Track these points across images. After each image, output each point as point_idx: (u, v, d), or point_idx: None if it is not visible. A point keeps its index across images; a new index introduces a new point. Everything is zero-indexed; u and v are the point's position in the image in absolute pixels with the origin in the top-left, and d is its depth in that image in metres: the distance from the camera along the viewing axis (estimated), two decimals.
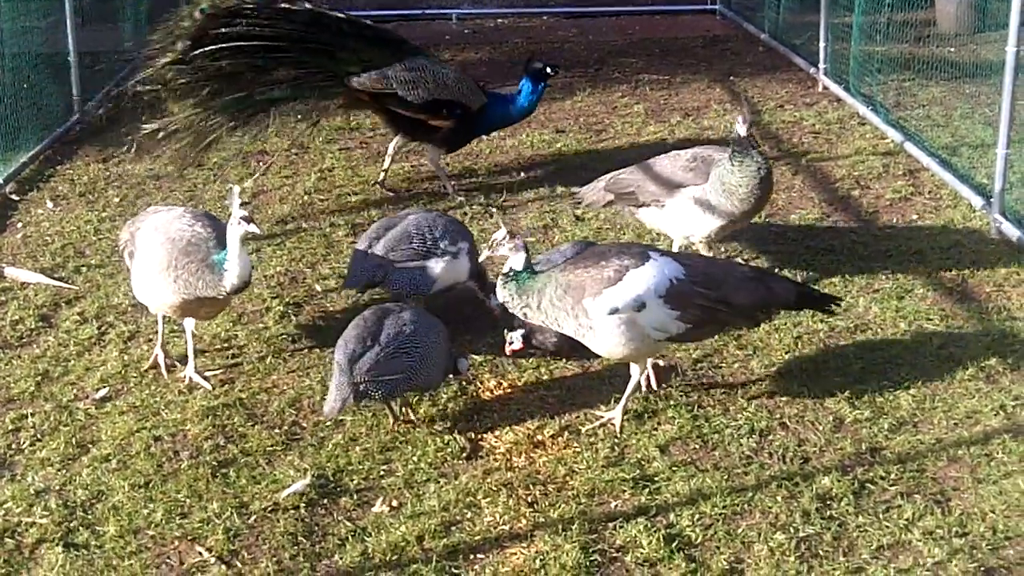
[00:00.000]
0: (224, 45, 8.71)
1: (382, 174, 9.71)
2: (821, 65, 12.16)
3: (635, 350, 6.00)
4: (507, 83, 10.43)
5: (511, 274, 6.07)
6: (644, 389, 6.44)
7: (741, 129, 7.19)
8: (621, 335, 5.91)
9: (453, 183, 9.61)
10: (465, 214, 8.82)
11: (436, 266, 6.95)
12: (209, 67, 8.73)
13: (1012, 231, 8.14)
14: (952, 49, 12.08)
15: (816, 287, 7.24)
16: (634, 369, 6.20)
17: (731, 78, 12.82)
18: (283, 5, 9.05)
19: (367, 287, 7.14)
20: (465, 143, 9.91)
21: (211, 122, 8.82)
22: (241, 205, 6.21)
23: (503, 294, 6.11)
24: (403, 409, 6.20)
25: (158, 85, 8.85)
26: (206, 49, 8.69)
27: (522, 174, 9.95)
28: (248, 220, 6.19)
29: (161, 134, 8.83)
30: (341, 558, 5.15)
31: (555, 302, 5.96)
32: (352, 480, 5.69)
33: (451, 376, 6.33)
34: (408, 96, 9.17)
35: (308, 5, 9.13)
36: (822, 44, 12.09)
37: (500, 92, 9.82)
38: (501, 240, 6.06)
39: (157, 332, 6.84)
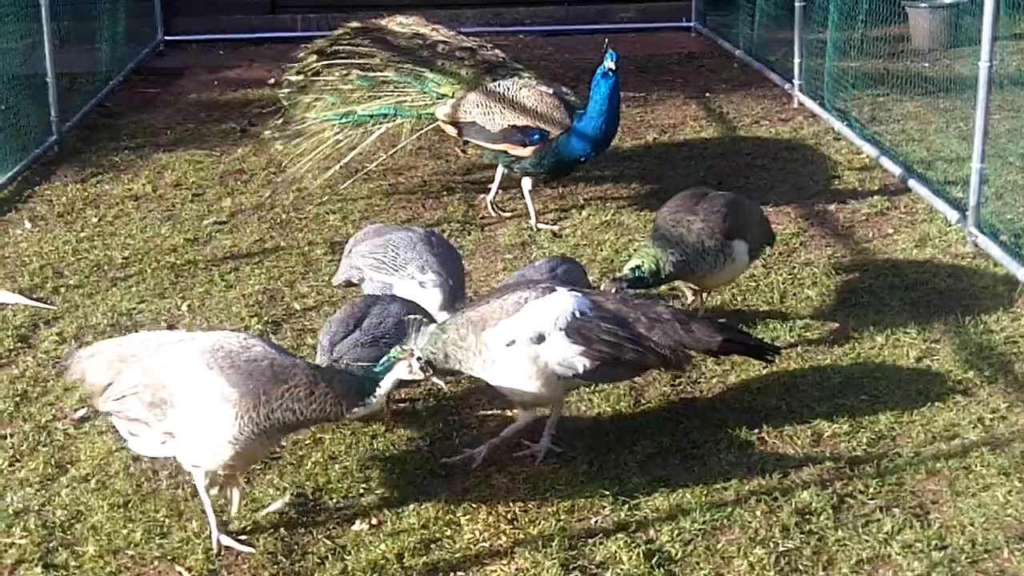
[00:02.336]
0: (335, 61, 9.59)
1: (491, 195, 9.44)
2: (796, 81, 12.21)
3: (540, 387, 5.74)
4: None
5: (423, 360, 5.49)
6: None
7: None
8: (523, 370, 5.69)
9: (538, 215, 9.27)
10: (443, 231, 8.81)
11: (398, 287, 6.71)
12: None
13: (988, 244, 8.18)
14: (926, 64, 12.16)
15: (755, 334, 6.98)
16: (521, 414, 6.00)
17: (707, 95, 12.88)
18: (368, 24, 9.78)
19: (346, 284, 7.17)
20: (559, 171, 9.33)
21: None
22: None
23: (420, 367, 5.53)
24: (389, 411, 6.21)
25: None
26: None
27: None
28: (429, 368, 5.43)
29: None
30: None
31: (459, 343, 5.71)
32: (331, 498, 5.68)
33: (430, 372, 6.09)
34: (487, 124, 9.10)
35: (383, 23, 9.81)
36: (797, 60, 12.15)
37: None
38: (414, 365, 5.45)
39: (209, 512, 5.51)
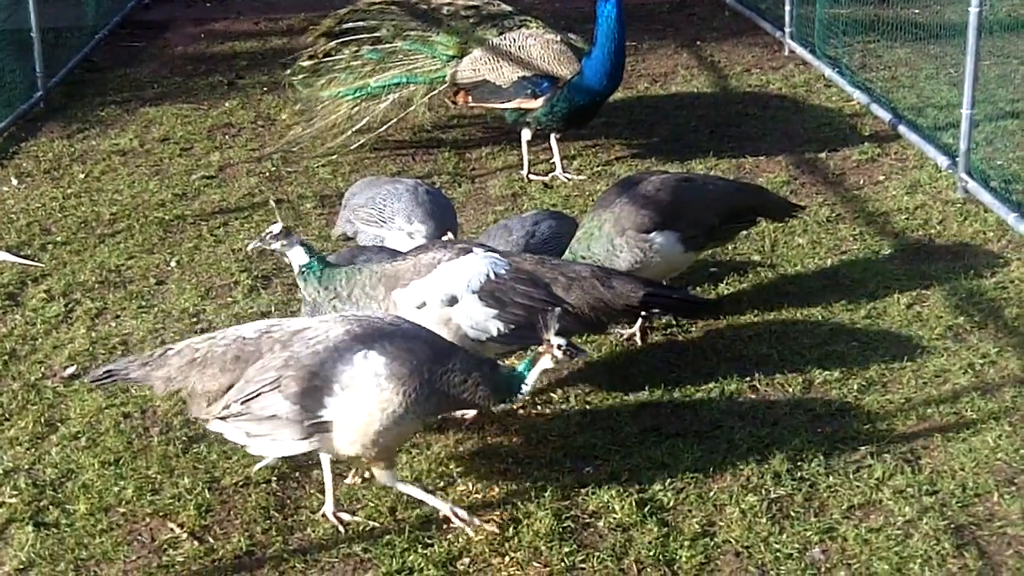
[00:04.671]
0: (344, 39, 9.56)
1: (558, 166, 9.21)
2: (787, 29, 12.14)
3: None
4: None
5: (302, 270, 5.73)
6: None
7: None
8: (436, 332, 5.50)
9: (531, 167, 9.23)
10: (434, 183, 8.77)
11: (388, 239, 6.78)
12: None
13: (978, 190, 8.16)
14: (916, 11, 12.07)
15: (689, 289, 7.04)
16: None
17: (697, 43, 12.81)
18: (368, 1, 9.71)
19: (342, 237, 7.17)
20: (573, 118, 9.15)
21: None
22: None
23: (307, 291, 5.77)
24: None
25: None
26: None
27: (490, 143, 9.92)
28: (572, 349, 5.20)
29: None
30: (313, 531, 5.14)
31: (368, 290, 5.68)
32: None
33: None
34: (496, 80, 9.04)
35: None
36: (787, 8, 12.08)
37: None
38: (276, 235, 5.70)
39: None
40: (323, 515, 5.19)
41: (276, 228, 5.73)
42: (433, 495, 5.16)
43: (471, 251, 5.73)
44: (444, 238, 6.58)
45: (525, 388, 5.15)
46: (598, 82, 8.89)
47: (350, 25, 9.58)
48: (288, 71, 9.90)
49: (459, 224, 7.25)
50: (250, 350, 5.02)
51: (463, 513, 5.10)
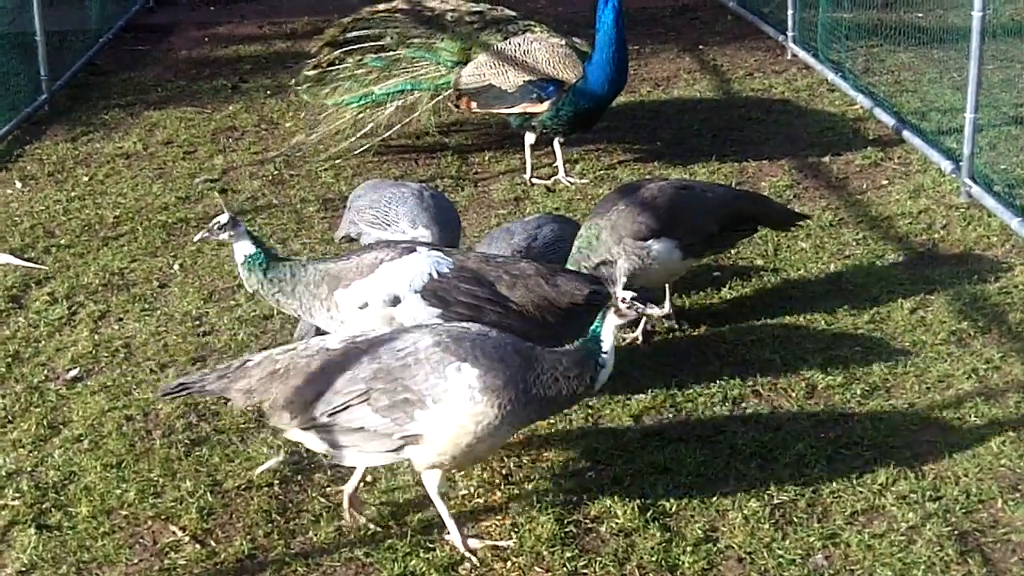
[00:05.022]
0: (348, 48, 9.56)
1: (561, 169, 9.19)
2: (789, 33, 12.14)
3: None
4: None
5: (247, 260, 5.68)
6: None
7: None
8: None
9: (534, 171, 9.23)
10: (437, 187, 8.77)
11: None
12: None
13: (981, 195, 8.15)
14: (920, 15, 12.07)
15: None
16: None
17: (700, 47, 12.80)
18: (376, 7, 9.74)
19: (345, 239, 7.17)
20: (579, 122, 9.14)
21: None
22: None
23: (250, 283, 5.72)
24: None
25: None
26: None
27: (493, 147, 9.92)
28: (639, 302, 5.07)
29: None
30: (315, 534, 5.13)
31: (311, 288, 5.63)
32: (326, 457, 5.66)
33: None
34: (502, 84, 9.04)
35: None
36: (790, 12, 12.08)
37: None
38: (223, 225, 5.66)
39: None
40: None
41: (223, 218, 5.68)
42: (457, 526, 5.03)
43: (414, 250, 5.68)
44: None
45: (605, 348, 5.00)
46: (600, 86, 8.89)
47: (354, 34, 9.59)
48: (293, 81, 9.89)
49: (462, 228, 7.26)
50: (336, 361, 4.94)
51: (475, 544, 5.01)
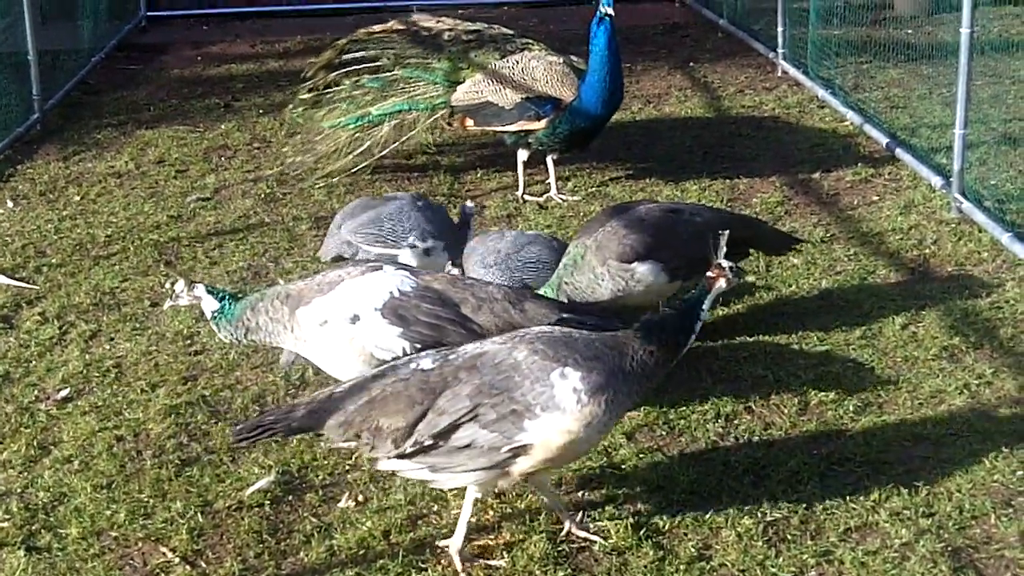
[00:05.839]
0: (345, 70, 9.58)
1: (553, 187, 9.19)
2: (780, 50, 12.17)
3: (359, 369, 5.50)
4: None
5: (214, 317, 5.75)
6: None
7: None
8: (339, 351, 5.53)
9: (526, 187, 9.24)
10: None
11: (402, 258, 6.94)
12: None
13: (972, 210, 8.17)
14: (909, 31, 12.13)
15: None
16: None
17: (691, 64, 12.83)
18: (372, 29, 9.77)
19: (337, 259, 7.16)
20: (575, 140, 9.15)
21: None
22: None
23: (223, 335, 5.80)
24: None
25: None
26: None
27: (485, 164, 9.92)
28: (738, 271, 5.25)
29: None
30: (307, 555, 5.11)
31: (272, 315, 5.62)
32: (317, 476, 5.66)
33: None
34: (500, 102, 9.04)
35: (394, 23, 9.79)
36: (780, 29, 12.11)
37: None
38: (180, 292, 5.79)
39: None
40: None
41: (179, 285, 5.80)
42: (464, 540, 5.05)
43: (380, 268, 5.65)
44: (452, 268, 6.62)
45: (702, 316, 5.10)
46: (596, 106, 8.90)
47: (350, 56, 9.58)
48: (289, 107, 9.86)
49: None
50: (434, 381, 4.86)
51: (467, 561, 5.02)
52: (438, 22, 9.77)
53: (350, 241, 7.08)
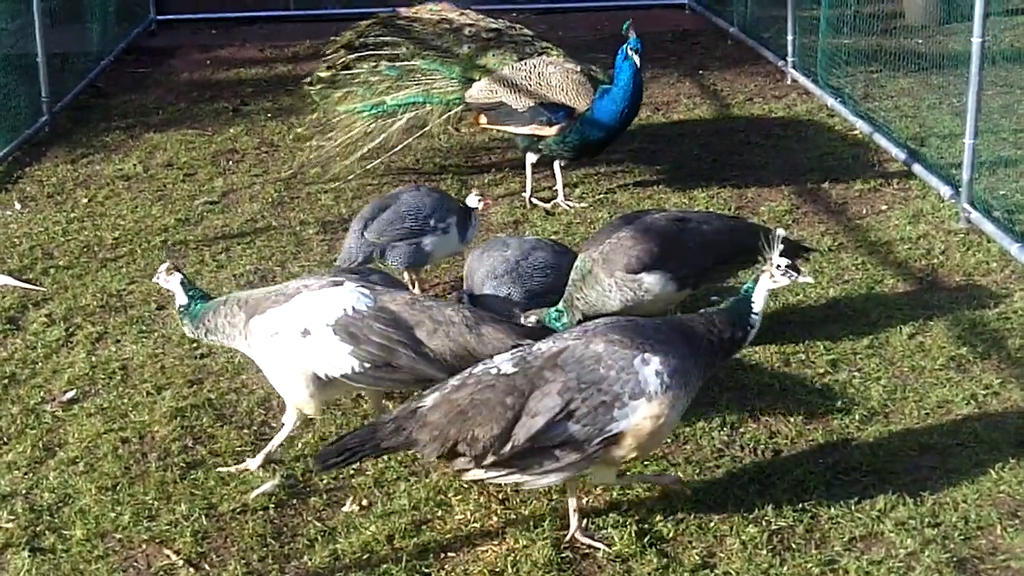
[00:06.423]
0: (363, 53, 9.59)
1: (560, 193, 9.18)
2: (789, 58, 12.17)
3: (305, 384, 5.53)
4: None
5: (180, 312, 5.85)
6: None
7: None
8: (286, 363, 5.51)
9: (533, 191, 9.24)
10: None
11: (428, 242, 7.25)
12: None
13: (981, 220, 8.15)
14: (919, 41, 12.10)
15: None
16: (288, 416, 5.74)
17: (700, 72, 12.83)
18: (398, 12, 9.81)
19: (364, 263, 7.27)
20: (584, 151, 9.18)
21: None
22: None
23: (187, 331, 5.92)
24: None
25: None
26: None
27: (492, 170, 9.92)
28: (793, 269, 5.28)
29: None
30: (311, 559, 5.11)
31: (229, 319, 5.64)
32: (322, 480, 5.65)
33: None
34: (514, 104, 9.04)
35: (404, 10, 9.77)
36: (790, 37, 12.11)
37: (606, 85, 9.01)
38: (160, 272, 5.93)
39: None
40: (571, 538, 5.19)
41: (163, 267, 5.96)
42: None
43: (341, 283, 5.60)
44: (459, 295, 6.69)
45: (756, 311, 5.20)
46: (607, 121, 8.88)
47: (370, 39, 9.59)
48: (307, 80, 9.86)
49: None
50: (520, 383, 4.89)
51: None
52: (461, 15, 9.75)
53: (373, 243, 7.24)
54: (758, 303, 5.21)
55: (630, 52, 8.71)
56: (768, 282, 5.23)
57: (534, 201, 9.09)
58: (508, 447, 4.84)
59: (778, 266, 5.21)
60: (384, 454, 5.33)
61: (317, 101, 9.73)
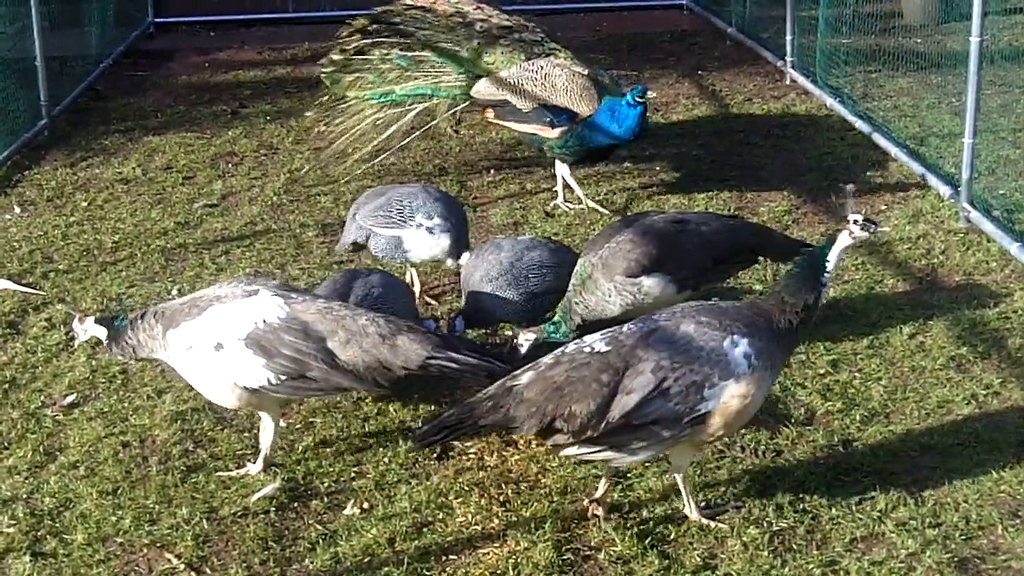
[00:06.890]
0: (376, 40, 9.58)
1: (560, 194, 9.17)
2: (788, 58, 12.17)
3: (228, 396, 5.52)
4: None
5: (107, 344, 5.79)
6: None
7: None
8: (206, 376, 5.49)
9: (585, 194, 9.12)
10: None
11: (408, 237, 7.12)
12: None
13: (980, 220, 8.15)
14: (918, 40, 12.10)
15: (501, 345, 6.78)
16: (265, 419, 5.73)
17: (699, 72, 12.83)
18: (406, 4, 9.73)
19: (355, 248, 7.36)
20: (587, 156, 9.14)
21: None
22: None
23: (115, 357, 5.94)
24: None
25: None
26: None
27: (492, 171, 9.93)
28: (870, 223, 5.25)
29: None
30: (312, 562, 5.11)
31: (148, 332, 5.58)
32: (323, 483, 5.65)
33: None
34: (518, 103, 9.03)
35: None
36: (789, 37, 12.11)
37: (615, 97, 8.89)
38: (76, 330, 5.91)
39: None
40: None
41: (75, 324, 5.92)
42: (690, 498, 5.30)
43: (256, 292, 5.53)
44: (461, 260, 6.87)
45: (829, 267, 5.21)
46: (609, 131, 8.83)
47: (385, 26, 9.59)
48: (320, 62, 9.83)
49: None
50: (614, 361, 4.97)
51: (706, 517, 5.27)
52: (476, 8, 9.74)
53: (361, 226, 7.25)
54: (832, 261, 5.22)
55: (637, 100, 8.66)
56: (847, 239, 5.22)
57: (591, 204, 9.03)
58: (604, 424, 4.92)
59: (855, 221, 5.19)
60: (482, 432, 5.42)
61: (327, 85, 9.70)
